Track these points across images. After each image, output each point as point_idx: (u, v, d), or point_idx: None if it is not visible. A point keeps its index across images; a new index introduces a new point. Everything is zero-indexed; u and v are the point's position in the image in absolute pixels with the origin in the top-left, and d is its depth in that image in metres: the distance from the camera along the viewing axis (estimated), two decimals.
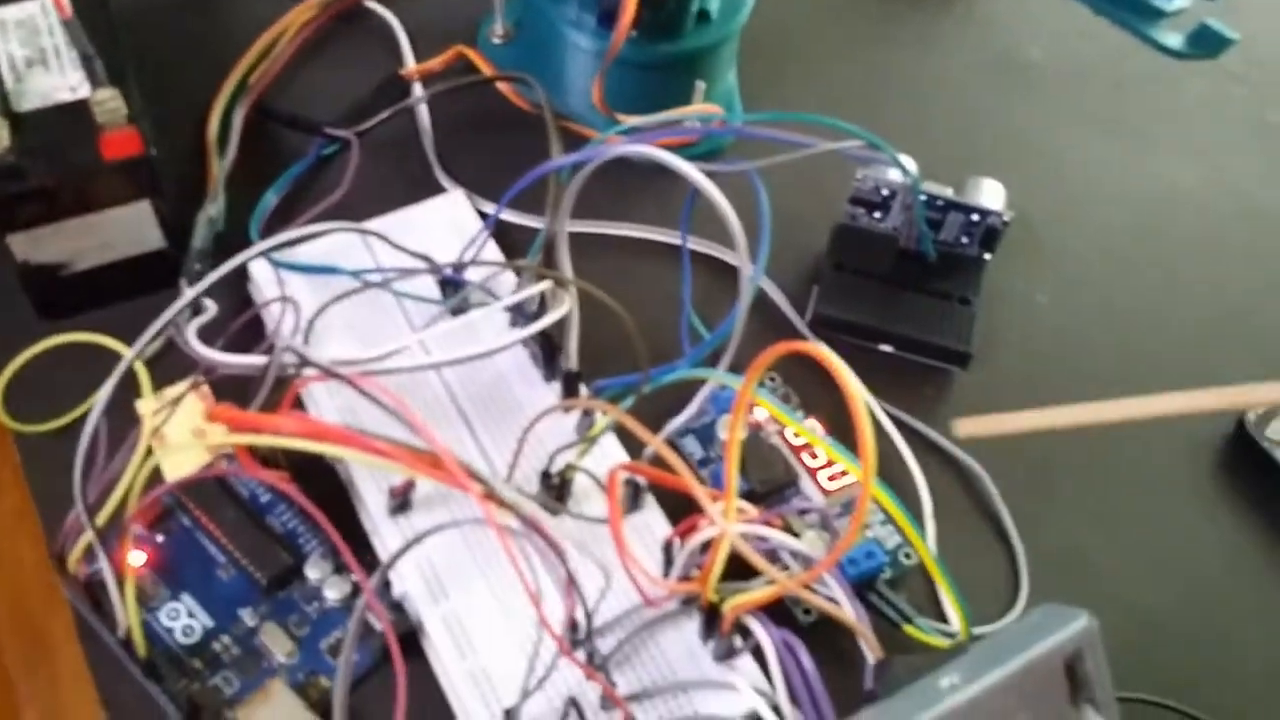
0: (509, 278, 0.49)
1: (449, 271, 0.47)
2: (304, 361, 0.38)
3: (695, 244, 0.54)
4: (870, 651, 0.40)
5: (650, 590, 0.40)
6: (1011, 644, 0.35)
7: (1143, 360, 0.54)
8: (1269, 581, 0.48)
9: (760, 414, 0.50)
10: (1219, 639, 0.47)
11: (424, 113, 0.57)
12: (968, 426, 0.46)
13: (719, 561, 0.39)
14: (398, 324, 0.49)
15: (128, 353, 0.38)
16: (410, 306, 0.50)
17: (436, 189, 0.55)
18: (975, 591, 0.46)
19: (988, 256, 0.54)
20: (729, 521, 0.38)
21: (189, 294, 0.39)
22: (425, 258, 0.48)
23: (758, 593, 0.38)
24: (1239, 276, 0.58)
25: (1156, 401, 0.41)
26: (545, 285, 0.43)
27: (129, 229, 0.47)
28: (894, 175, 0.52)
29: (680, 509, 0.43)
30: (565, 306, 0.43)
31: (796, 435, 0.48)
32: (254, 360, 0.41)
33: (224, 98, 0.56)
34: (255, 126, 0.56)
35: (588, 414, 0.46)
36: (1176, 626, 0.47)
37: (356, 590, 0.44)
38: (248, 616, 0.43)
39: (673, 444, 0.48)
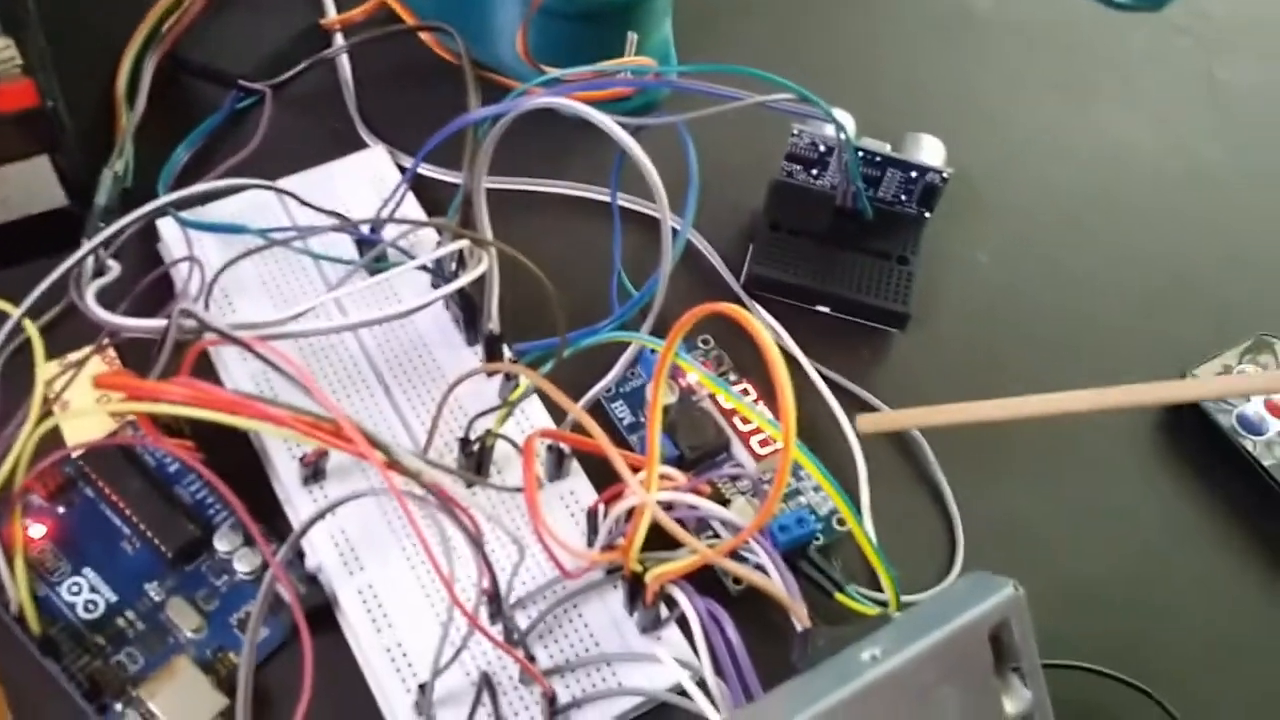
0: (432, 236, 0.48)
1: (364, 230, 0.45)
2: (202, 325, 0.35)
3: (627, 201, 0.52)
4: (798, 622, 0.38)
5: (568, 562, 0.39)
6: (936, 614, 0.34)
7: (1086, 321, 0.53)
8: (1208, 546, 0.48)
9: (693, 376, 0.48)
10: (1157, 605, 0.46)
11: (345, 65, 0.55)
12: (868, 423, 0.44)
13: (640, 531, 0.38)
14: (315, 285, 0.47)
15: (14, 313, 0.36)
16: (329, 267, 0.48)
17: (359, 144, 0.53)
18: (910, 558, 0.46)
19: (927, 215, 0.53)
20: (649, 491, 0.36)
21: (79, 252, 0.37)
22: (340, 215, 0.46)
23: (679, 563, 0.37)
24: (1185, 235, 0.57)
25: (1069, 399, 0.40)
26: (461, 244, 0.41)
27: (28, 186, 0.45)
28: (831, 131, 0.50)
29: (609, 475, 0.41)
30: (482, 266, 0.41)
31: (726, 399, 0.47)
32: (152, 324, 0.38)
33: (135, 47, 0.53)
34: (168, 78, 0.54)
35: (511, 378, 0.44)
36: (1114, 593, 0.46)
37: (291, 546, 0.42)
38: (153, 591, 0.42)
39: (603, 408, 0.47)
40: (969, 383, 0.51)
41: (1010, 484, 0.48)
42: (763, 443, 0.46)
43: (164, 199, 0.38)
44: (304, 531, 0.38)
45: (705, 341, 0.49)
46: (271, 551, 0.38)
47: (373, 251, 0.44)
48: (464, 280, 0.40)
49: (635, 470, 0.40)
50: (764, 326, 0.33)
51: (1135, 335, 0.53)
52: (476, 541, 0.34)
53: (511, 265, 0.45)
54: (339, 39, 0.56)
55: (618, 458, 0.35)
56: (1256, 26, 0.66)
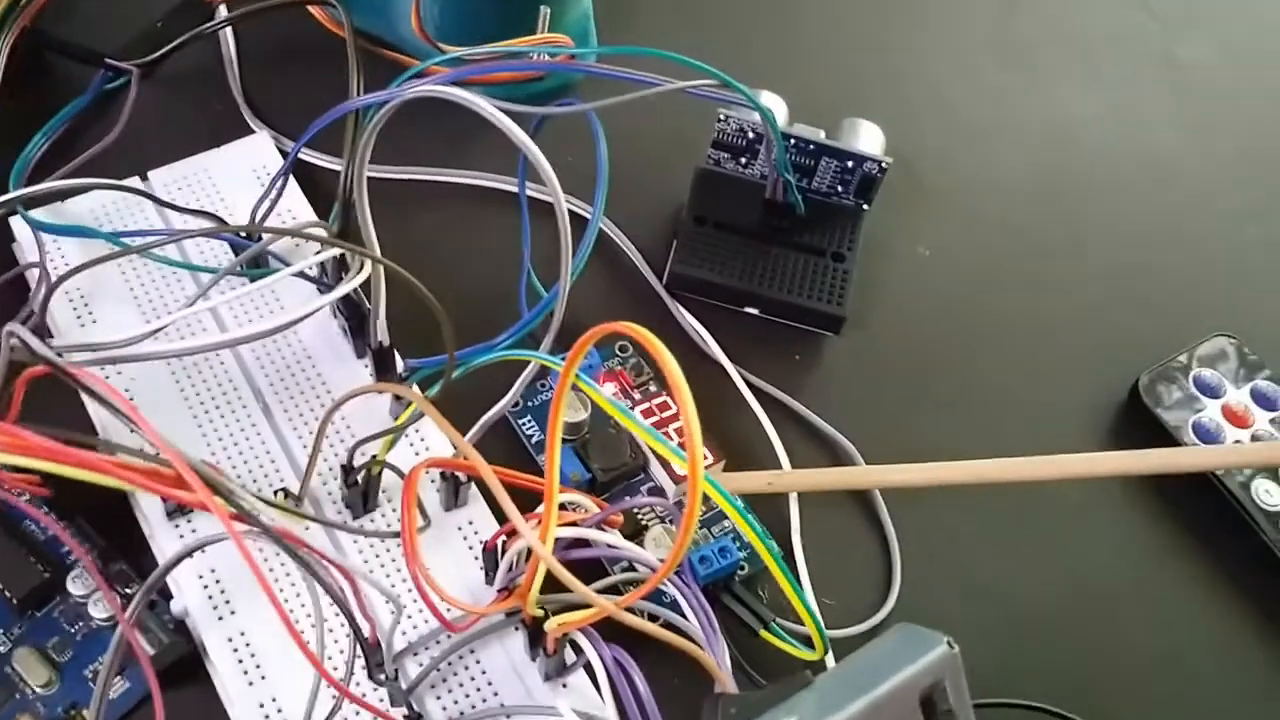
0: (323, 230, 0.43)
1: (237, 232, 0.40)
2: (27, 349, 0.31)
3: (539, 193, 0.48)
4: (718, 682, 0.35)
5: (450, 615, 0.35)
6: (862, 675, 0.30)
7: (1035, 319, 0.50)
8: (1165, 571, 0.44)
9: (608, 389, 0.44)
10: (1101, 630, 0.42)
11: (229, 41, 0.50)
12: (731, 482, 0.41)
13: (538, 576, 0.34)
14: (189, 293, 0.43)
15: None
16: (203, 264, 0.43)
17: (244, 130, 0.48)
18: (845, 581, 0.42)
19: (865, 207, 0.49)
20: (546, 535, 0.32)
21: None
22: (210, 215, 0.41)
23: (579, 614, 0.33)
24: (1142, 225, 0.53)
25: (956, 469, 0.36)
26: (334, 252, 0.37)
27: None
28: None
29: (518, 498, 0.36)
30: (363, 274, 0.36)
31: (646, 415, 0.43)
32: None
33: None
34: (31, 58, 0.48)
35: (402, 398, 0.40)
36: (1057, 618, 0.43)
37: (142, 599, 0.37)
38: None
39: (510, 425, 0.43)
40: (909, 390, 0.47)
41: (948, 497, 0.44)
42: None
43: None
44: (161, 577, 0.34)
45: (623, 349, 0.45)
46: (125, 600, 0.34)
47: (242, 256, 0.39)
48: (341, 290, 0.36)
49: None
50: (664, 350, 0.29)
51: (1085, 335, 0.49)
52: (335, 596, 0.30)
53: (408, 265, 0.41)
54: (222, 12, 0.50)
55: (507, 500, 0.31)
56: (1220, 5, 0.61)
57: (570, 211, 0.47)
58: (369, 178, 0.47)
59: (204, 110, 0.49)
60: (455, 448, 0.33)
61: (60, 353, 0.36)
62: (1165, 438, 0.46)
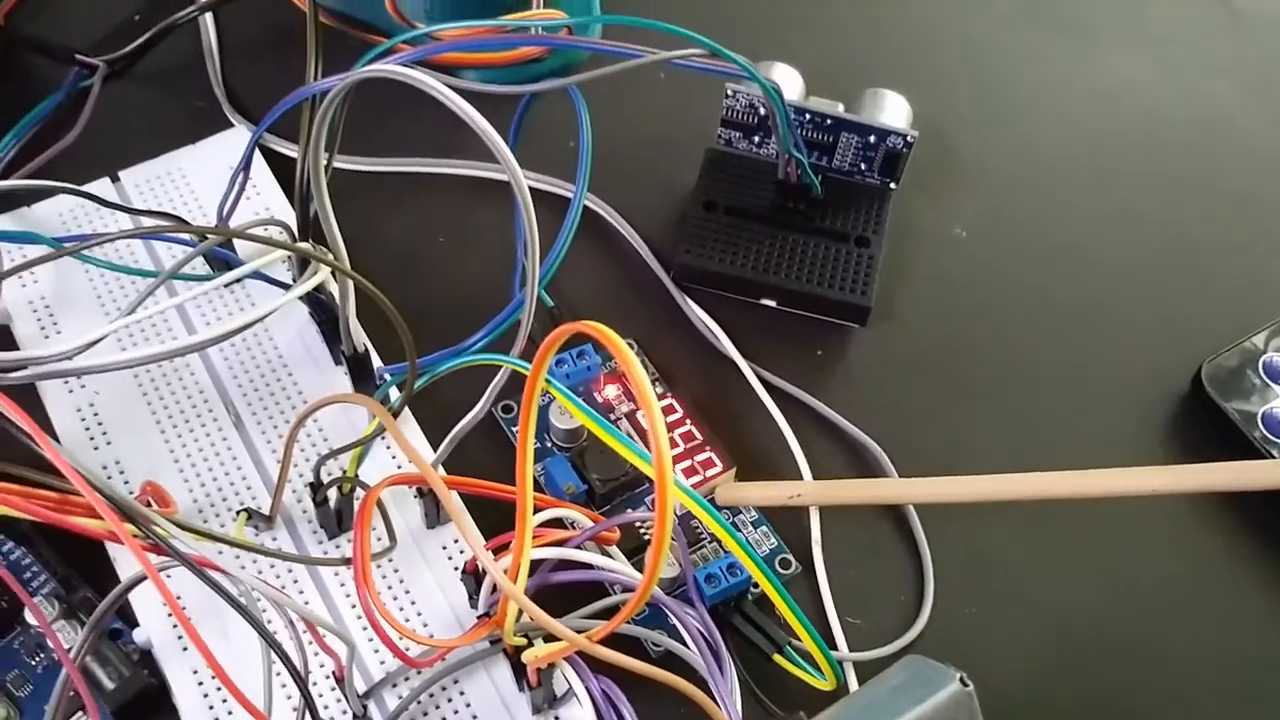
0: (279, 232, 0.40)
1: (194, 234, 0.37)
2: None
3: (534, 181, 0.44)
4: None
5: (411, 650, 0.31)
6: (862, 717, 0.26)
7: (1084, 304, 0.45)
8: (1216, 578, 0.39)
9: (610, 391, 0.41)
10: (1154, 655, 0.38)
11: (210, 32, 0.47)
12: (728, 494, 0.37)
13: (512, 608, 0.30)
14: (159, 297, 0.40)
15: None
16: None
17: (226, 124, 0.46)
18: (872, 599, 0.38)
19: (892, 186, 0.44)
20: (521, 557, 0.29)
21: None
22: (171, 216, 0.38)
23: (552, 647, 0.30)
24: (1199, 197, 0.48)
25: (992, 483, 0.32)
26: (279, 253, 0.34)
27: None
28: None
29: (507, 512, 0.33)
30: (319, 274, 0.33)
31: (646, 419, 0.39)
32: None
33: None
34: (3, 56, 0.46)
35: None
36: (1105, 640, 0.38)
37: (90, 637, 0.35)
38: None
39: (501, 429, 0.40)
40: (944, 387, 0.43)
41: (985, 510, 0.40)
42: (690, 470, 0.39)
43: None
44: (106, 613, 0.31)
45: (631, 344, 0.41)
46: (80, 636, 0.31)
47: (188, 255, 0.36)
48: (295, 292, 0.33)
49: (541, 510, 0.33)
50: (630, 354, 0.25)
51: (1141, 319, 0.45)
52: (263, 633, 0.27)
53: (383, 264, 0.38)
54: (203, 1, 0.48)
55: (468, 525, 0.28)
56: None
57: (563, 196, 0.44)
58: (357, 171, 0.45)
59: (184, 106, 0.46)
60: (416, 467, 0.30)
61: (23, 365, 0.34)
62: (1232, 432, 0.41)
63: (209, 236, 0.37)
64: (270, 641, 0.27)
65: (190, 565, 0.26)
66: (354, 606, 0.35)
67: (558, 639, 0.31)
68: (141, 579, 0.29)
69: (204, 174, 0.43)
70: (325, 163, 0.32)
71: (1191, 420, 0.42)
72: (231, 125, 0.45)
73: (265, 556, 0.35)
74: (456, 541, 0.37)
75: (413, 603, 0.36)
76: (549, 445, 0.39)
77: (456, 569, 0.36)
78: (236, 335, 0.33)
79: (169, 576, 0.35)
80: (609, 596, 0.36)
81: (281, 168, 0.44)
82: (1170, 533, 0.40)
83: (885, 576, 0.39)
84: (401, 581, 0.36)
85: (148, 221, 0.41)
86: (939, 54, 0.52)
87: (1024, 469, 0.38)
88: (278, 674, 0.31)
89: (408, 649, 0.32)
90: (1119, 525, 0.40)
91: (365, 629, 0.34)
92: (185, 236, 0.39)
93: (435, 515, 0.36)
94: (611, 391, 0.41)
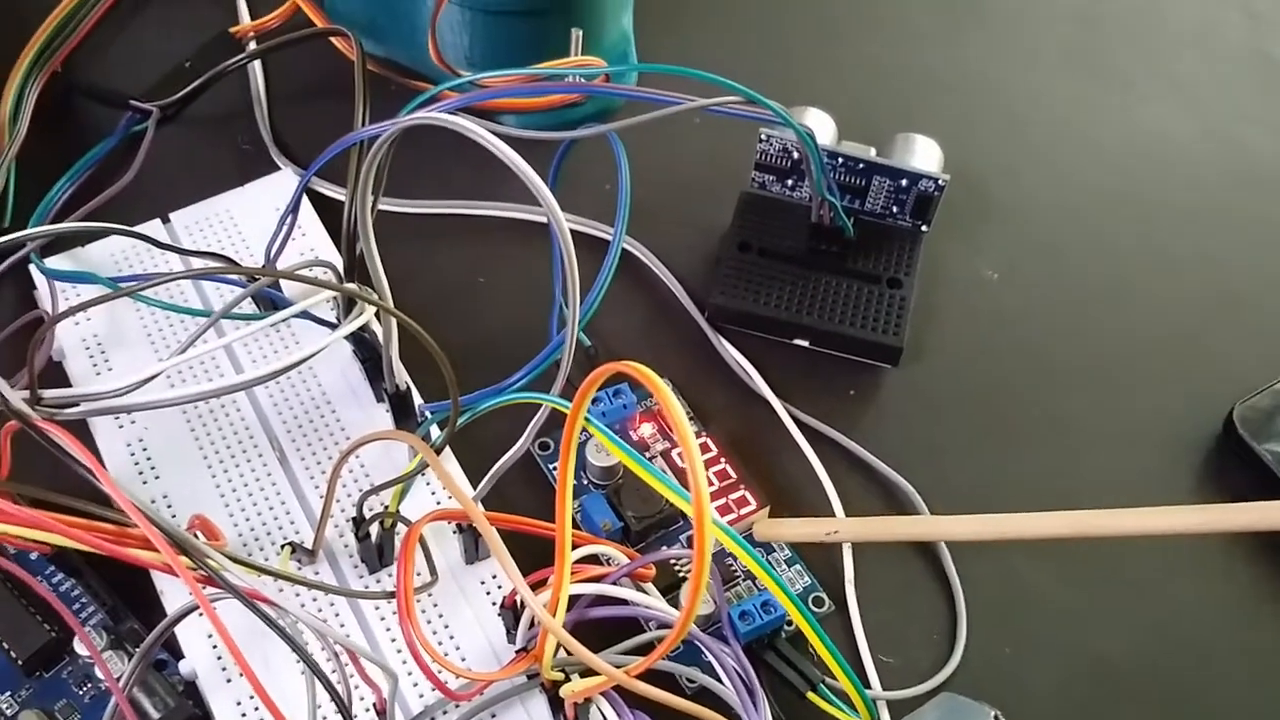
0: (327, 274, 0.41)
1: (242, 275, 0.39)
2: (5, 404, 0.29)
3: (574, 223, 0.45)
4: None
5: (451, 684, 0.32)
6: None
7: (1115, 347, 0.45)
8: (1257, 624, 0.39)
9: (645, 430, 0.41)
10: (1190, 695, 0.38)
11: (258, 78, 0.49)
12: (766, 529, 0.37)
13: (550, 643, 0.31)
14: (207, 342, 0.41)
15: None
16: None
17: (272, 167, 0.47)
18: (905, 637, 0.38)
19: (924, 228, 0.45)
20: (560, 593, 0.29)
21: None
22: (219, 256, 0.39)
23: (590, 682, 0.30)
24: (1233, 242, 0.49)
25: (1027, 521, 0.32)
26: (327, 294, 0.35)
27: None
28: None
29: (550, 546, 0.34)
30: (365, 314, 0.34)
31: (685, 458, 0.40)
32: None
33: (21, 69, 0.47)
34: (60, 102, 0.48)
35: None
36: (1140, 679, 0.38)
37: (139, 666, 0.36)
38: (4, 703, 0.36)
39: (539, 467, 0.40)
40: (975, 426, 0.43)
41: (1018, 548, 0.40)
42: (724, 508, 0.39)
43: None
44: (155, 643, 0.32)
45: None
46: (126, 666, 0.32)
47: (238, 296, 0.37)
48: (341, 332, 0.34)
49: (578, 546, 0.34)
50: (669, 394, 0.26)
51: (1174, 361, 0.45)
52: (310, 663, 0.27)
53: (425, 305, 0.39)
54: (250, 47, 0.49)
55: (509, 561, 0.29)
56: None
57: (604, 240, 0.45)
58: (400, 213, 0.46)
59: (231, 149, 0.48)
60: (459, 502, 0.31)
61: (77, 402, 0.35)
62: (1264, 472, 0.41)
63: (260, 278, 0.38)
64: (316, 671, 0.28)
65: (241, 597, 0.27)
66: (394, 640, 0.36)
67: (595, 674, 0.31)
68: (191, 610, 0.29)
69: (251, 215, 0.44)
70: (371, 205, 0.33)
71: (1224, 461, 0.42)
72: (278, 168, 0.47)
73: (307, 590, 0.36)
74: (494, 577, 0.37)
75: (451, 637, 0.36)
76: (585, 483, 0.40)
77: (494, 604, 0.37)
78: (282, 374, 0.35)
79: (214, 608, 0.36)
80: (643, 633, 0.36)
81: (325, 209, 0.45)
82: (1203, 572, 0.40)
83: (918, 615, 0.39)
84: (440, 616, 0.36)
85: (197, 262, 0.42)
86: (970, 100, 0.52)
87: (1055, 508, 0.38)
88: (319, 706, 0.32)
89: (447, 682, 0.33)
90: (1152, 564, 0.40)
91: (404, 662, 0.35)
92: (234, 276, 0.40)
93: (474, 551, 0.37)
94: (647, 430, 0.41)
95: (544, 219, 0.47)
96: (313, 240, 0.44)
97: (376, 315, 0.36)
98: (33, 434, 0.29)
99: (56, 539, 0.27)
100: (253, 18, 0.51)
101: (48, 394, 0.33)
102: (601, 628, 0.35)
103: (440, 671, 0.31)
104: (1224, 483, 0.42)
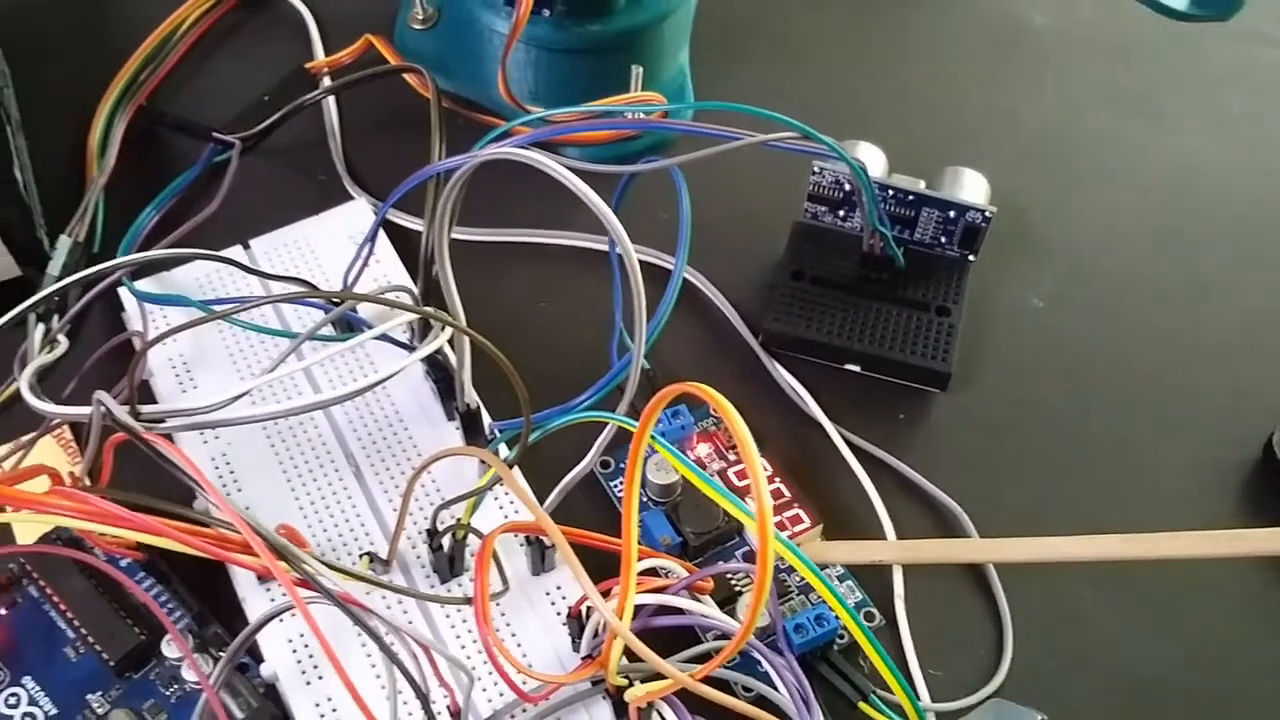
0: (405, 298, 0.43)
1: (322, 299, 0.41)
2: (111, 417, 0.31)
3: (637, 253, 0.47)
4: None
5: (525, 685, 0.34)
6: None
7: (1158, 373, 0.47)
8: None
9: (702, 450, 0.43)
10: (1229, 709, 0.39)
11: (332, 111, 0.51)
12: (816, 553, 0.39)
13: (617, 648, 0.32)
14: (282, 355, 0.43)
15: None
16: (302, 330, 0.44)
17: (345, 196, 0.49)
18: (953, 651, 0.40)
19: (971, 258, 0.47)
20: (623, 609, 0.31)
21: None
22: (302, 281, 0.42)
23: (656, 685, 0.32)
24: (1272, 273, 0.50)
25: (1094, 543, 0.33)
26: (410, 317, 0.37)
27: None
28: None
29: (612, 561, 0.35)
30: (441, 337, 0.36)
31: (741, 477, 0.42)
32: (74, 411, 0.35)
33: (110, 100, 0.50)
34: (145, 134, 0.50)
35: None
36: (1183, 696, 0.39)
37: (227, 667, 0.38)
38: (96, 702, 0.38)
39: (600, 485, 0.42)
40: (1022, 449, 0.45)
41: (1064, 567, 0.41)
42: (781, 525, 0.41)
43: (81, 273, 0.35)
44: (244, 643, 0.34)
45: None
46: (213, 667, 0.34)
47: (322, 321, 0.39)
48: (420, 353, 0.36)
49: (640, 559, 0.36)
50: (735, 414, 0.28)
51: (1216, 392, 0.46)
52: (399, 664, 0.29)
53: (492, 328, 0.41)
54: (326, 84, 0.52)
55: (579, 569, 0.30)
56: None
57: (662, 268, 0.47)
58: (467, 241, 0.48)
59: (308, 179, 0.50)
60: (533, 515, 0.32)
61: (162, 418, 0.37)
62: None
63: (342, 302, 0.40)
64: (403, 670, 0.30)
65: (335, 600, 0.29)
66: (463, 647, 0.38)
67: (657, 680, 0.33)
68: (281, 612, 0.31)
69: (326, 241, 0.46)
70: (447, 234, 0.35)
71: (1263, 486, 0.44)
72: (351, 197, 0.49)
73: (380, 596, 0.38)
74: (559, 588, 0.39)
75: (518, 645, 0.38)
76: (645, 499, 0.42)
77: (559, 614, 0.39)
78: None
79: (293, 615, 0.38)
80: (699, 644, 0.38)
81: (395, 235, 0.47)
82: (1243, 594, 0.41)
83: (965, 631, 0.40)
84: (508, 625, 0.38)
85: (277, 286, 0.44)
86: (1017, 134, 0.54)
87: (1098, 529, 0.40)
88: (405, 703, 0.34)
89: (520, 685, 0.34)
90: (1192, 584, 0.41)
91: (473, 669, 0.36)
92: (317, 300, 0.42)
93: (540, 563, 0.39)
94: (703, 449, 0.43)
95: (602, 246, 0.49)
96: (385, 266, 0.46)
97: (449, 341, 0.38)
98: (141, 446, 0.31)
99: (168, 543, 0.29)
100: (327, 54, 0.53)
101: (144, 410, 0.35)
102: (660, 637, 0.37)
103: (516, 674, 0.33)
104: (1263, 506, 0.43)
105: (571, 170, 0.32)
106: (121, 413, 0.31)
